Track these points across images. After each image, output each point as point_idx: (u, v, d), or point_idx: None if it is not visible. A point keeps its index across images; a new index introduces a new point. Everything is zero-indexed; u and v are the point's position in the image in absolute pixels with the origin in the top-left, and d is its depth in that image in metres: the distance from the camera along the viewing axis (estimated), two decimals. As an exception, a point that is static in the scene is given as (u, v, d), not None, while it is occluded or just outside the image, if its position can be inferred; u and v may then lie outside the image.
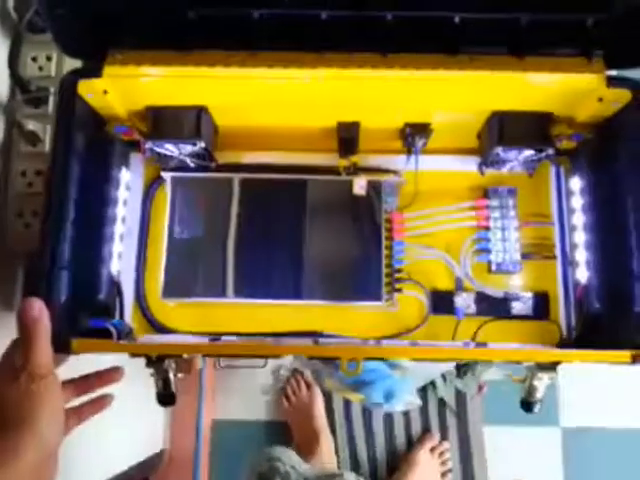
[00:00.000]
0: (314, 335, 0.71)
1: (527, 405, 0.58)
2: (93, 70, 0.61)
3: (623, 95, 0.62)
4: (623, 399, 1.34)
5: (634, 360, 0.55)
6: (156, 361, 0.56)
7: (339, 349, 0.58)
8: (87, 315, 0.63)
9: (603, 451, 1.33)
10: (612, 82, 0.61)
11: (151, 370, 0.57)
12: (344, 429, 1.34)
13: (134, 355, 0.56)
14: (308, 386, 1.34)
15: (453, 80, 0.62)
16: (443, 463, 1.32)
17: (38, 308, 0.50)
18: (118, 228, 0.69)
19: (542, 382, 0.56)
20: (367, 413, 1.34)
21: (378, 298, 0.69)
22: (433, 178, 0.75)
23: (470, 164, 0.75)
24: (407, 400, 1.09)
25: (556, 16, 0.61)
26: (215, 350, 0.59)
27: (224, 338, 0.65)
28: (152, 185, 0.75)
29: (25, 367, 0.47)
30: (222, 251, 0.70)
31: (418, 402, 1.13)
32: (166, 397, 0.58)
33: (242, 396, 1.37)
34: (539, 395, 0.57)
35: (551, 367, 0.55)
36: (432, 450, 1.31)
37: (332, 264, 0.71)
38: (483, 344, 0.61)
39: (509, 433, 1.34)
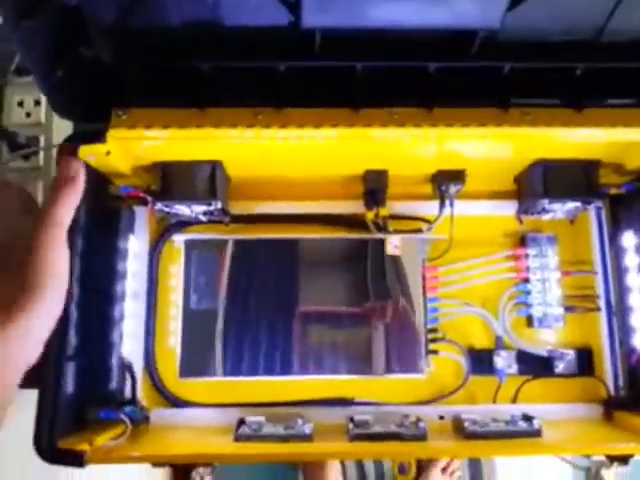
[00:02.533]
0: (344, 403, 0.66)
1: (591, 495, 0.54)
2: (95, 135, 0.53)
3: (684, 146, 0.57)
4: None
5: None
6: (183, 472, 0.50)
7: (389, 447, 0.53)
8: (97, 406, 0.56)
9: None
10: (676, 134, 0.56)
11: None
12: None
13: (157, 465, 0.50)
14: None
15: (503, 136, 0.56)
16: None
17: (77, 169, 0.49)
18: (128, 305, 0.62)
19: (611, 471, 0.52)
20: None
21: (419, 370, 0.64)
22: (466, 224, 0.68)
23: (506, 208, 0.70)
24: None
25: (616, 64, 0.55)
26: (249, 459, 0.53)
27: (249, 419, 0.59)
28: (158, 241, 0.68)
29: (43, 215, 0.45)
30: (242, 323, 0.64)
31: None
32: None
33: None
34: (605, 485, 0.53)
35: (623, 459, 0.51)
36: (444, 469, 1.29)
37: (361, 333, 0.65)
38: (536, 430, 0.56)
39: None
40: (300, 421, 0.58)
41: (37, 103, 0.66)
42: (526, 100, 0.56)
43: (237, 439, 0.55)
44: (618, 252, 0.65)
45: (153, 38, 0.53)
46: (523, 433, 0.57)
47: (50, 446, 0.49)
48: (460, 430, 0.58)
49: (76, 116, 0.54)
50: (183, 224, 0.68)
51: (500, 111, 0.55)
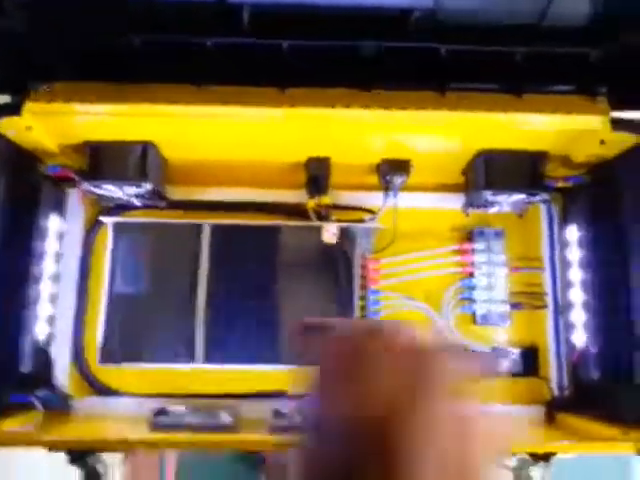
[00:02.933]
0: (277, 396, 0.63)
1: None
2: (11, 107, 0.51)
3: (628, 139, 0.55)
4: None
5: (640, 452, 0.48)
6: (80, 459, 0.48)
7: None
8: (7, 389, 0.54)
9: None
10: (617, 125, 0.54)
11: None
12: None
13: (53, 449, 0.48)
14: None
15: (440, 120, 0.53)
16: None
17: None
18: (45, 287, 0.59)
19: (538, 472, 0.50)
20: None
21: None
22: (412, 217, 0.66)
23: (453, 202, 0.67)
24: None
25: (556, 50, 0.53)
26: (161, 445, 0.51)
27: (171, 408, 0.56)
28: (93, 226, 0.65)
29: None
30: (174, 309, 0.61)
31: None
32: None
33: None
34: (537, 485, 0.51)
35: (544, 458, 0.49)
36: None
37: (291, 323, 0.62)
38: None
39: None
40: (222, 412, 0.55)
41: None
42: (464, 84, 0.54)
43: (154, 427, 0.53)
44: (562, 247, 0.63)
45: (71, 8, 0.51)
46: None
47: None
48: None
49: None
50: (119, 208, 0.66)
51: (436, 94, 0.53)
